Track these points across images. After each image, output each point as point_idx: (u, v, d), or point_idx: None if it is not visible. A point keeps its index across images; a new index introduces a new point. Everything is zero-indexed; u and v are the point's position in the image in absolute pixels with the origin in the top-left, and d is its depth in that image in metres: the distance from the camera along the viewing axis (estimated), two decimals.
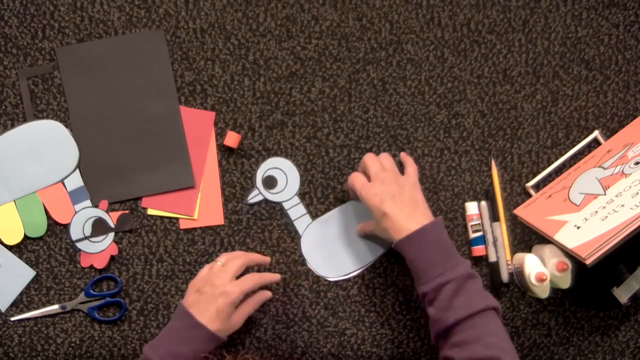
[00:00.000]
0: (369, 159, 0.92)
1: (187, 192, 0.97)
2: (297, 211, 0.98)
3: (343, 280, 0.98)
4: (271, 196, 0.98)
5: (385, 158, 0.93)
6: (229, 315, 0.86)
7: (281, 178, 0.98)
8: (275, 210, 0.98)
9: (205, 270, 0.88)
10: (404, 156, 0.96)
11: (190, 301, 0.85)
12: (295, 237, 0.98)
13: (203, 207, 0.97)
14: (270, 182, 0.97)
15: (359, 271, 0.98)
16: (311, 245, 0.98)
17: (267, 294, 0.92)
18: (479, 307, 0.82)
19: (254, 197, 0.97)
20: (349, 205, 0.99)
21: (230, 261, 0.88)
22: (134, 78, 0.97)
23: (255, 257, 0.92)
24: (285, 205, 0.98)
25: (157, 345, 0.84)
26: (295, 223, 0.98)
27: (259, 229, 0.98)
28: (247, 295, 0.89)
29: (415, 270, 0.86)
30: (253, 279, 0.88)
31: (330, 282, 0.98)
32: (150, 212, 0.97)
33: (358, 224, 0.98)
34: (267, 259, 0.93)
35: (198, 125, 0.97)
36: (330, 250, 0.98)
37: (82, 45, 0.96)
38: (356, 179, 0.91)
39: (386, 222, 0.87)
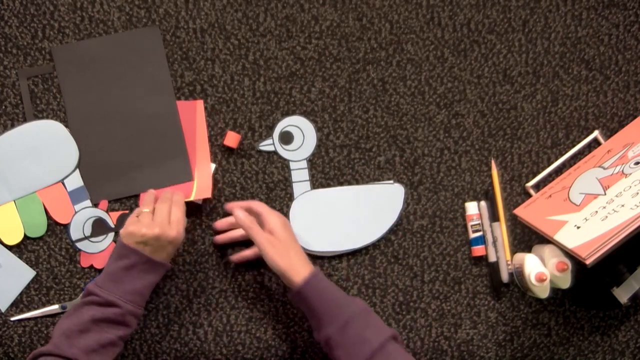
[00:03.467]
0: (270, 214, 0.90)
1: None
2: (300, 175, 0.98)
3: (317, 256, 0.98)
4: (283, 151, 0.98)
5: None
6: (177, 250, 0.92)
7: (298, 138, 0.98)
8: (274, 207, 0.98)
9: (134, 219, 0.88)
10: (257, 206, 0.91)
11: (136, 247, 0.85)
12: None
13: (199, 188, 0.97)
14: (286, 138, 0.97)
15: (334, 253, 0.98)
16: (300, 211, 0.98)
17: (181, 195, 0.93)
18: (387, 335, 0.82)
19: (265, 145, 0.97)
20: (351, 189, 0.99)
21: (160, 207, 0.88)
22: (131, 75, 0.97)
23: (179, 198, 0.92)
24: (292, 165, 0.98)
25: (110, 287, 0.84)
26: (295, 185, 0.98)
27: None
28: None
29: (317, 314, 0.85)
30: (180, 212, 0.89)
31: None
32: None
33: (357, 210, 0.98)
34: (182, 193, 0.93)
35: (184, 116, 0.97)
36: (315, 222, 0.98)
37: (78, 43, 0.96)
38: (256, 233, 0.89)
39: (286, 264, 0.86)
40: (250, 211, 0.91)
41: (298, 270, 0.85)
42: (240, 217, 0.89)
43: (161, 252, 0.86)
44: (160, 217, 0.87)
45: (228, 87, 0.98)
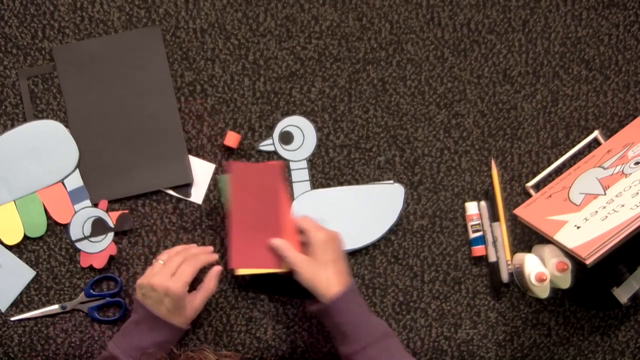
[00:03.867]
0: (314, 231, 0.89)
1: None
2: (300, 175, 0.98)
3: None
4: (283, 151, 0.98)
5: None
6: (182, 309, 0.86)
7: (298, 138, 0.98)
8: None
9: (148, 270, 0.88)
10: (305, 222, 0.90)
11: (142, 300, 0.86)
12: None
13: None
14: (286, 138, 0.97)
15: None
16: (300, 211, 0.97)
17: (216, 270, 0.90)
18: None
19: (265, 145, 0.97)
20: (351, 189, 0.99)
21: (171, 259, 0.87)
22: (132, 75, 0.97)
23: (202, 257, 0.89)
24: (292, 165, 0.98)
25: (118, 341, 0.85)
26: (295, 185, 0.98)
27: None
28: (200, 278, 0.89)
29: (338, 332, 0.85)
30: (189, 267, 0.86)
31: None
32: (241, 271, 0.90)
33: (357, 210, 0.98)
34: (214, 257, 0.91)
35: (264, 179, 0.93)
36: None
37: (79, 43, 0.96)
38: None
39: (321, 274, 0.86)
40: (299, 228, 0.90)
41: (323, 292, 0.84)
42: (276, 243, 0.89)
43: (159, 305, 0.84)
44: (166, 268, 0.86)
45: (228, 87, 0.98)
